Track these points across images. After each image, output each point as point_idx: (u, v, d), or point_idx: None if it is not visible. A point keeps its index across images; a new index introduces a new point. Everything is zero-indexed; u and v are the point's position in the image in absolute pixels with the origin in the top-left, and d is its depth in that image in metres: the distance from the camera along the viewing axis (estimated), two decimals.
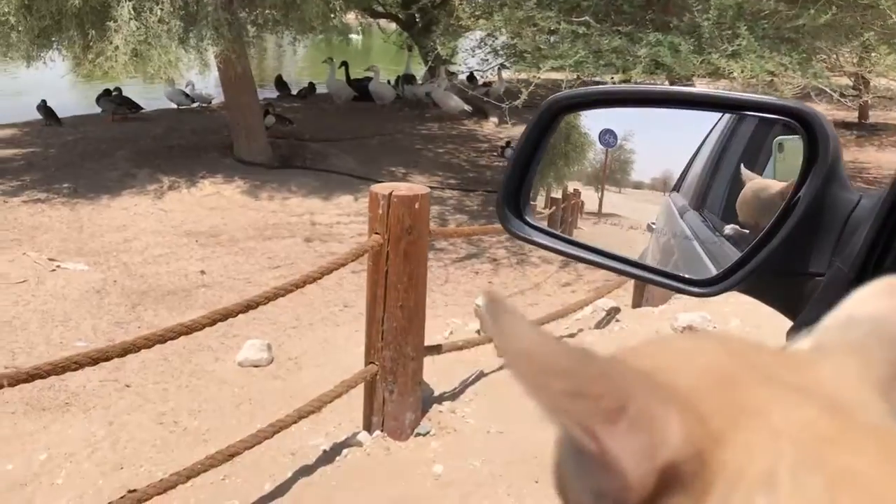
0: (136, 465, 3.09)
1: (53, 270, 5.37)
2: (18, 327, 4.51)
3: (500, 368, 3.68)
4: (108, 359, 2.14)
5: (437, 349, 3.28)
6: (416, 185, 3.01)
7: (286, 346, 4.35)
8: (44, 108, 11.07)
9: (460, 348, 3.42)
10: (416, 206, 2.77)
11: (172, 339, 2.21)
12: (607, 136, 0.92)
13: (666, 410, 0.25)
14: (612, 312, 4.30)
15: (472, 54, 7.98)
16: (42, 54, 7.23)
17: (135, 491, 2.32)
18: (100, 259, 5.69)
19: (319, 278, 2.69)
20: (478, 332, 4.13)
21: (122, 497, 2.30)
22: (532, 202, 0.94)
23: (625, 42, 5.73)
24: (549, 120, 0.85)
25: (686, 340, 0.31)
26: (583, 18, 5.78)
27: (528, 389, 0.25)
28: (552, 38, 6.35)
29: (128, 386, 3.82)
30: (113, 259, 5.70)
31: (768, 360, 0.29)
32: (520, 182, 0.87)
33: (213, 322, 2.30)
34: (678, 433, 0.24)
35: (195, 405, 3.64)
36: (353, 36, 15.29)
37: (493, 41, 7.37)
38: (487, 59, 7.61)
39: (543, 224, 0.92)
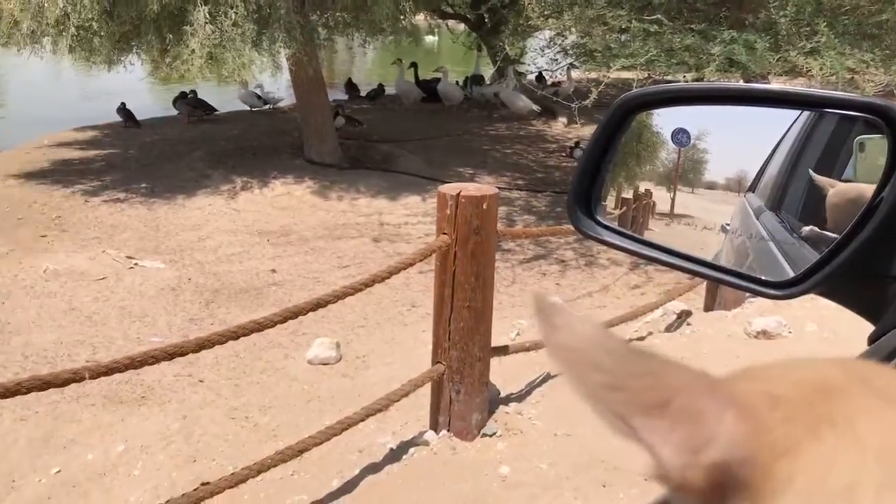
0: (208, 459, 3.17)
1: (131, 268, 5.55)
2: (98, 322, 4.67)
3: None
4: (183, 354, 2.19)
5: (503, 350, 3.27)
6: (484, 186, 3.01)
7: (354, 345, 4.40)
8: (123, 110, 11.47)
9: (527, 350, 3.40)
10: (485, 206, 2.76)
11: (245, 335, 2.25)
12: (680, 136, 0.90)
13: (719, 410, 0.25)
14: (683, 316, 4.21)
15: (541, 54, 7.93)
16: (122, 58, 7.49)
17: (208, 483, 2.38)
18: (175, 257, 5.85)
19: (388, 278, 2.71)
20: None
21: (195, 489, 2.36)
22: (602, 202, 0.93)
23: (698, 40, 5.61)
24: (621, 119, 0.84)
25: (809, 360, 0.30)
26: (655, 17, 5.68)
27: (570, 380, 0.26)
28: (623, 37, 6.25)
29: (201, 381, 3.92)
30: (188, 257, 5.86)
31: (888, 378, 0.28)
32: (591, 181, 0.86)
33: (284, 319, 2.34)
34: (729, 433, 0.24)
35: (266, 401, 3.72)
36: (429, 38, 15.36)
37: (563, 40, 7.31)
38: (556, 59, 7.55)
39: (615, 224, 0.90)
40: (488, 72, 14.61)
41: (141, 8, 6.53)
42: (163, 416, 3.59)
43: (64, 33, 6.55)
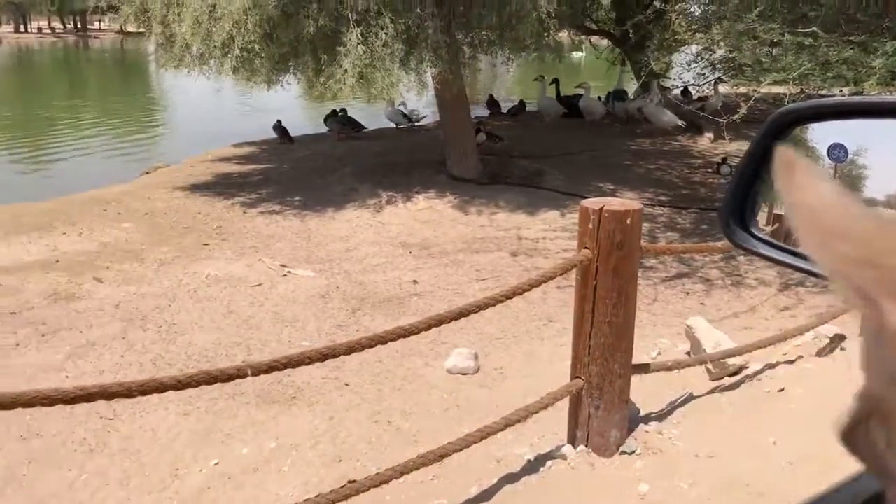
0: (353, 459, 3.31)
1: (284, 276, 5.87)
2: (254, 325, 4.97)
3: (712, 392, 3.56)
4: (335, 356, 2.32)
5: (644, 368, 3.23)
6: (627, 201, 3.00)
7: (492, 357, 4.46)
8: (279, 127, 12.14)
9: (669, 368, 3.35)
10: (628, 221, 2.76)
11: (392, 340, 2.36)
12: (837, 151, 0.89)
13: None
14: (837, 340, 4.00)
15: (687, 68, 7.77)
16: (280, 78, 7.95)
17: (354, 482, 2.50)
18: (325, 266, 6.13)
19: (528, 290, 2.75)
20: (688, 353, 4.02)
21: (342, 486, 2.48)
22: (755, 217, 0.94)
23: (857, 52, 5.33)
24: (777, 133, 0.85)
25: None
26: (809, 29, 5.45)
27: (811, 248, 0.23)
28: (774, 51, 6.04)
29: (347, 385, 4.09)
30: (336, 267, 6.13)
31: None
32: (745, 194, 0.88)
33: (428, 327, 2.43)
34: None
35: (406, 407, 3.84)
36: (576, 54, 15.33)
37: (710, 55, 7.13)
38: (704, 74, 7.37)
39: (771, 237, 0.91)
40: (631, 87, 14.41)
41: (299, 31, 6.92)
42: (311, 416, 3.78)
43: (229, 55, 7.03)
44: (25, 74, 36.37)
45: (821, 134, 0.90)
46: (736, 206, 0.87)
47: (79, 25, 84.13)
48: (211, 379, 2.21)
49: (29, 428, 3.58)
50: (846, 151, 0.89)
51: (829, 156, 0.90)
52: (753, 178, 0.87)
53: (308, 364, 2.35)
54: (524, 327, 4.95)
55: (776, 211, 1.06)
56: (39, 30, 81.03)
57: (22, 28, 79.19)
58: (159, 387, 2.16)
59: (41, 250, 6.45)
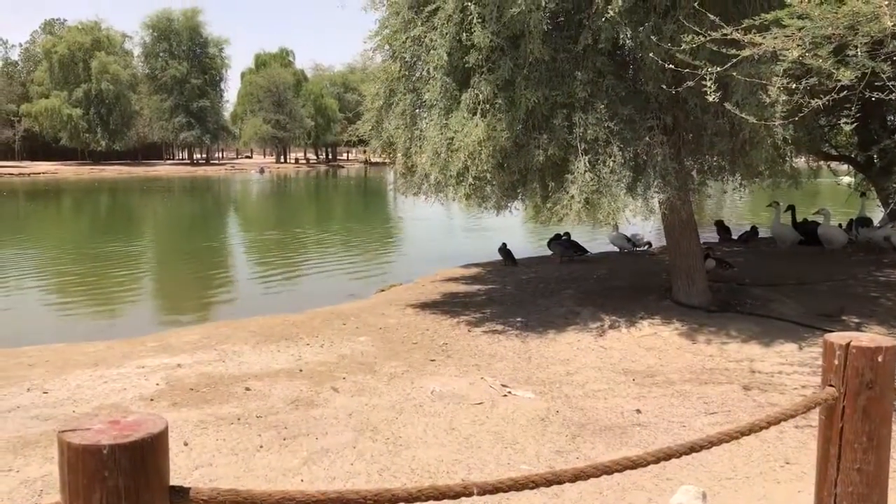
0: None
1: (505, 396, 5.94)
2: (474, 444, 5.03)
3: None
4: (559, 482, 2.31)
5: None
6: (878, 336, 2.78)
7: (721, 497, 4.18)
8: (504, 250, 12.57)
9: None
10: (880, 359, 2.55)
11: (619, 471, 2.31)
12: None
13: None
14: None
15: None
16: (509, 204, 8.30)
17: None
18: (545, 389, 6.13)
19: (766, 428, 2.59)
20: None
21: None
22: None
23: None
24: None
25: None
26: None
27: None
28: None
29: None
30: (556, 390, 6.11)
31: None
32: None
33: (657, 460, 2.36)
34: None
35: None
36: (845, 179, 14.63)
37: None
38: None
39: None
40: (877, 214, 13.43)
41: (528, 160, 7.25)
42: None
43: (463, 183, 7.48)
44: (281, 200, 40.73)
45: None
46: None
47: (329, 156, 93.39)
48: (439, 494, 2.28)
49: None
50: None
51: None
52: None
53: (532, 488, 2.35)
54: (758, 468, 4.60)
55: None
56: (296, 160, 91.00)
57: (282, 158, 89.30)
58: (392, 498, 2.27)
59: (287, 359, 7.04)
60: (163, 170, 67.71)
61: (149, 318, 10.58)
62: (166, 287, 13.84)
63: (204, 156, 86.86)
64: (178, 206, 36.40)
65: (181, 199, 41.05)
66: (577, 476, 2.31)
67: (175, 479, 1.64)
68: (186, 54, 77.67)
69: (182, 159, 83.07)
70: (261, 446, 4.94)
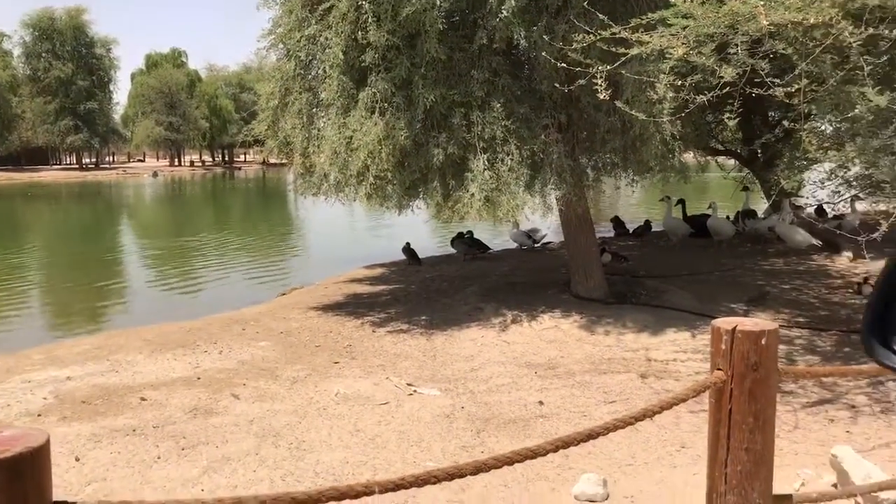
0: None
1: (410, 395, 5.93)
2: (380, 445, 5.00)
3: None
4: (461, 475, 2.31)
5: (786, 499, 3.02)
6: (762, 321, 2.91)
7: (622, 484, 4.29)
8: (408, 249, 12.57)
9: (814, 501, 3.11)
10: (763, 341, 2.66)
11: (519, 461, 2.33)
12: None
13: None
14: None
15: (820, 186, 7.56)
16: (410, 203, 8.30)
17: None
18: (450, 385, 6.16)
19: (659, 412, 2.67)
20: (834, 485, 3.74)
21: None
22: None
23: None
24: None
25: None
26: None
27: None
28: None
29: None
30: (461, 386, 6.15)
31: None
32: (885, 311, 0.87)
33: (555, 448, 2.39)
34: None
35: None
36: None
37: (845, 172, 6.93)
38: (839, 191, 7.15)
39: None
40: (761, 206, 14.12)
41: (428, 159, 7.26)
42: None
43: (363, 183, 7.44)
44: (178, 204, 39.50)
45: None
46: (876, 323, 0.86)
47: (226, 158, 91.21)
48: (340, 495, 2.25)
49: None
50: None
51: None
52: (891, 298, 0.86)
53: (434, 483, 2.35)
54: (656, 453, 4.76)
55: None
56: (192, 163, 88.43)
57: (177, 161, 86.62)
58: (291, 501, 2.22)
59: (184, 367, 6.82)
60: (49, 175, 64.59)
61: (35, 331, 10.05)
62: (54, 298, 13.19)
63: (94, 160, 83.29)
64: (66, 212, 34.79)
65: (69, 205, 39.27)
66: (479, 469, 2.32)
67: (66, 496, 1.56)
68: (71, 55, 74.15)
69: (70, 164, 79.29)
70: (158, 457, 4.77)
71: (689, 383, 5.94)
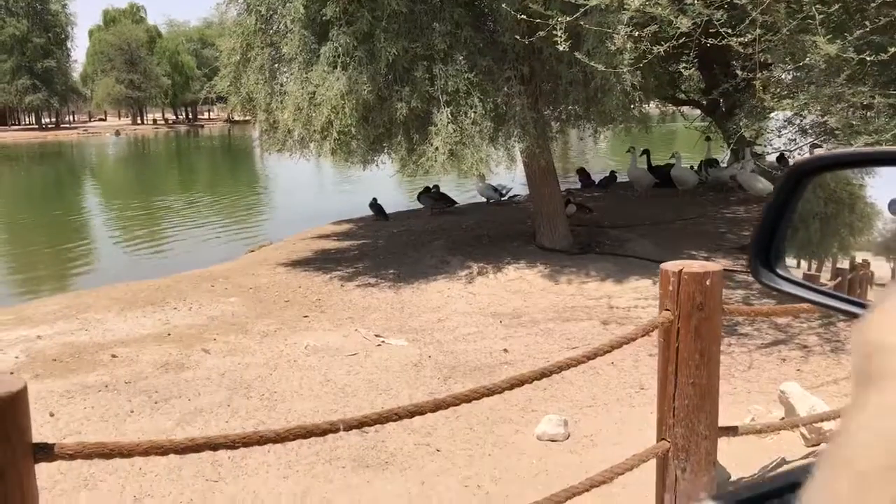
0: None
1: (379, 345, 6.06)
2: (349, 393, 5.14)
3: (805, 457, 3.48)
4: (421, 413, 2.44)
5: (732, 430, 3.21)
6: (708, 263, 3.05)
7: (582, 424, 4.47)
8: (374, 205, 12.60)
9: (759, 431, 3.31)
10: (707, 282, 2.81)
11: (476, 399, 2.46)
12: None
13: None
14: None
15: (777, 134, 7.73)
16: (375, 158, 8.33)
17: None
18: (417, 336, 6.30)
19: (609, 351, 2.82)
20: (781, 419, 3.94)
21: None
22: (791, 259, 1.02)
23: None
24: (795, 183, 0.95)
25: None
26: None
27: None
28: (868, 114, 5.97)
29: (438, 451, 4.18)
30: (428, 336, 6.28)
31: None
32: (769, 238, 0.97)
33: (510, 387, 2.53)
34: None
35: (496, 472, 3.90)
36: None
37: (801, 120, 7.09)
38: (795, 139, 7.32)
39: (796, 276, 1.00)
40: (724, 155, 14.31)
41: (392, 113, 7.29)
42: (403, 480, 3.88)
43: (327, 138, 7.45)
44: (142, 164, 38.95)
45: (879, 190, 0.97)
46: (761, 248, 0.97)
47: (190, 116, 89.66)
48: (307, 433, 2.36)
49: (142, 489, 3.82)
50: None
51: (889, 210, 0.98)
52: (777, 221, 0.97)
53: (395, 420, 2.48)
54: (615, 395, 4.94)
55: (839, 265, 1.13)
56: (154, 121, 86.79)
57: (139, 120, 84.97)
58: (260, 440, 2.34)
59: (154, 324, 6.87)
60: (8, 136, 63.12)
61: (2, 292, 10.01)
62: (21, 259, 13.08)
63: (54, 120, 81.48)
64: (28, 174, 34.17)
65: (31, 166, 38.54)
66: (438, 406, 2.45)
67: None
68: (26, 11, 71.91)
69: (29, 124, 77.54)
70: (131, 411, 4.86)
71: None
